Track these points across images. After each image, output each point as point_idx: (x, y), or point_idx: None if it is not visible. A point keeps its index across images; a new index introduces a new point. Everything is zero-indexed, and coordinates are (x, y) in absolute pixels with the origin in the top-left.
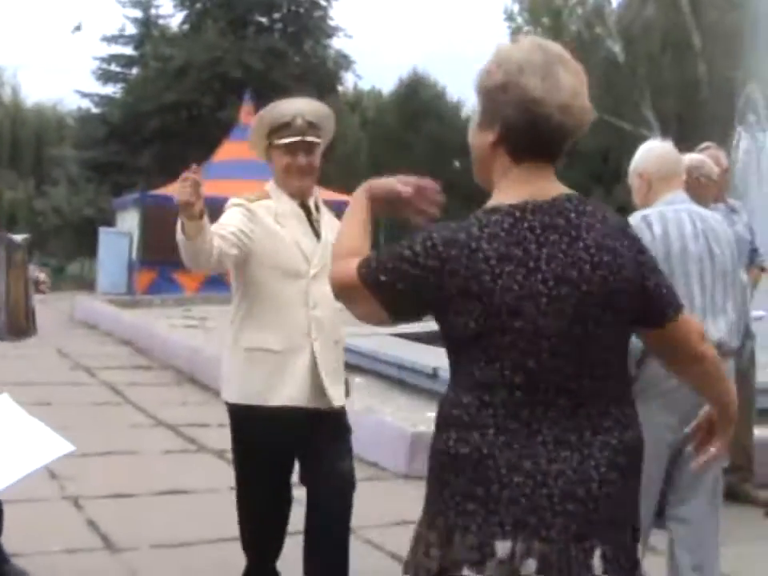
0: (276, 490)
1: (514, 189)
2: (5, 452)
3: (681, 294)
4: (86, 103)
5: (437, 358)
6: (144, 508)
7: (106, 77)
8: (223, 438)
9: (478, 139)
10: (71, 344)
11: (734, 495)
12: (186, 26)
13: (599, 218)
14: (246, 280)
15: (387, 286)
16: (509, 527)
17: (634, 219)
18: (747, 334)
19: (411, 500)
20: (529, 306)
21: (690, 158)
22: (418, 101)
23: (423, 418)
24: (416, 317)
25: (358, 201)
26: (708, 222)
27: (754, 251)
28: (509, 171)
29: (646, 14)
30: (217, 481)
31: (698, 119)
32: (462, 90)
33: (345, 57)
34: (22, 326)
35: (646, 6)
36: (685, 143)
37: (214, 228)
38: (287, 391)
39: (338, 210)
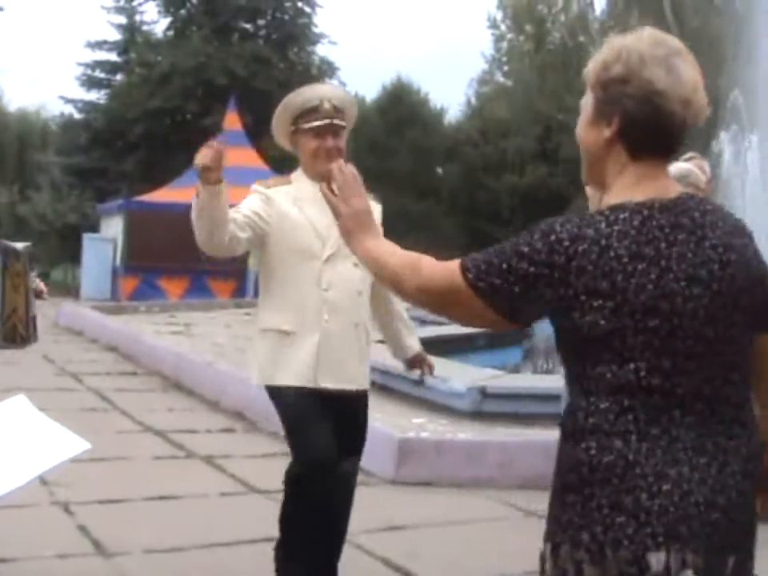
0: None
1: (637, 186)
2: (22, 451)
3: None
4: (69, 109)
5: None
6: (135, 513)
7: (90, 83)
8: (211, 444)
9: (591, 134)
10: (57, 350)
11: None
12: (170, 33)
13: (720, 217)
14: (264, 262)
15: (502, 289)
16: (661, 538)
17: None
18: None
19: (399, 505)
20: (665, 306)
21: (677, 167)
22: (401, 108)
23: (410, 424)
24: (535, 318)
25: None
26: None
27: None
28: (625, 168)
29: (630, 22)
30: (206, 487)
31: None
32: (445, 97)
33: (329, 64)
34: (20, 334)
35: (630, 13)
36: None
37: (230, 213)
38: (292, 370)
39: None
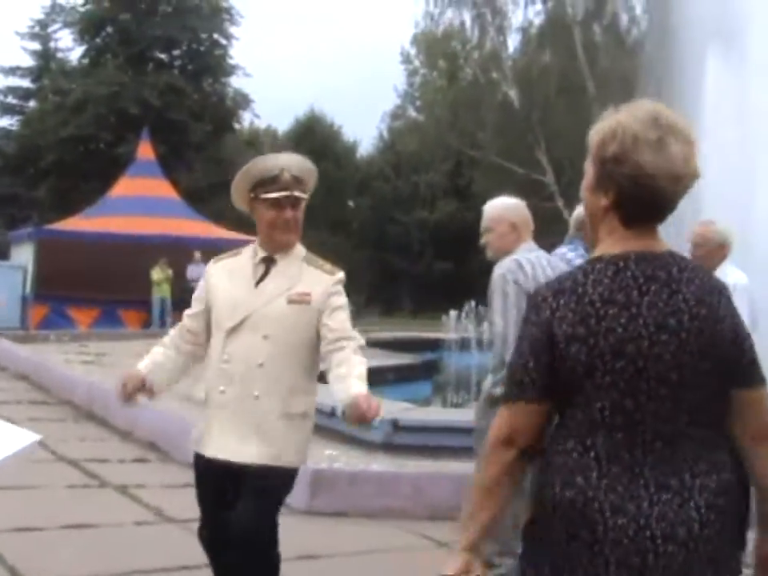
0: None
1: (619, 244)
2: None
3: None
4: None
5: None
6: (51, 542)
7: (2, 109)
8: (124, 474)
9: (591, 200)
10: None
11: None
12: (85, 61)
13: (699, 276)
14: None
15: (531, 383)
16: (613, 567)
17: (507, 263)
18: None
19: (313, 535)
20: (631, 348)
21: (580, 211)
22: (314, 140)
23: (323, 455)
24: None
25: None
26: (553, 264)
27: None
28: (615, 231)
29: (542, 60)
30: (121, 516)
31: None
32: (358, 131)
33: (243, 95)
34: None
35: (542, 52)
36: (578, 187)
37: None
38: (195, 437)
39: (230, 247)
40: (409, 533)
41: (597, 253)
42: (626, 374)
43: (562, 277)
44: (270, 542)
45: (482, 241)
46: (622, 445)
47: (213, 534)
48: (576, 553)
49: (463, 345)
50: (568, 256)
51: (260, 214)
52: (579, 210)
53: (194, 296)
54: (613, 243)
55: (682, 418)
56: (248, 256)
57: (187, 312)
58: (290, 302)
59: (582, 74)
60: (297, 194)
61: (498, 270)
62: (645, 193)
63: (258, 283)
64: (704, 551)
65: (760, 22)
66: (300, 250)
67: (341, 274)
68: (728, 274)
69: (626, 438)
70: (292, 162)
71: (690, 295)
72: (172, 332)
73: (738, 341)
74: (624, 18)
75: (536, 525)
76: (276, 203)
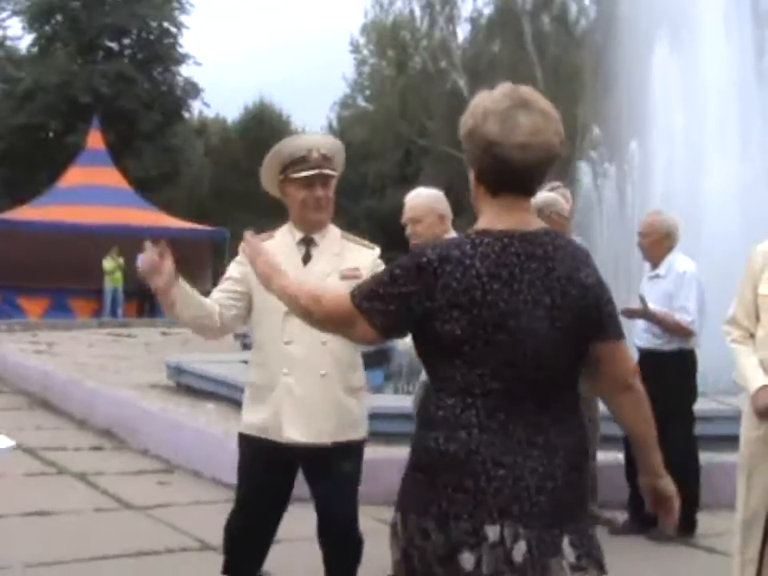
0: (264, 512)
1: (499, 217)
2: None
3: None
4: None
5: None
6: (11, 529)
7: None
8: (81, 461)
9: (470, 175)
10: None
11: None
12: (34, 49)
13: (569, 252)
14: (251, 319)
15: (380, 310)
16: (496, 514)
17: None
18: None
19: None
20: (511, 323)
21: (542, 196)
22: (263, 129)
23: None
24: (404, 333)
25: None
26: None
27: None
28: (491, 203)
29: (491, 50)
30: (80, 503)
31: None
32: (307, 120)
33: (193, 84)
34: None
35: (492, 41)
36: None
37: (215, 291)
38: (254, 420)
39: (181, 236)
40: (366, 517)
41: (481, 225)
42: (505, 346)
43: (449, 244)
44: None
45: (409, 231)
46: (498, 406)
47: (255, 522)
48: (461, 500)
49: None
50: None
51: (291, 194)
52: (535, 199)
53: (229, 275)
54: (493, 215)
55: (552, 384)
56: (286, 238)
57: (220, 287)
58: (343, 278)
59: (532, 63)
60: (327, 171)
61: None
62: (497, 162)
63: (305, 263)
64: (566, 502)
65: (706, 10)
66: (334, 228)
67: (378, 249)
68: (677, 261)
69: (502, 400)
70: (320, 141)
71: (562, 273)
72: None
73: (600, 303)
74: (573, 8)
75: (419, 474)
76: (307, 182)
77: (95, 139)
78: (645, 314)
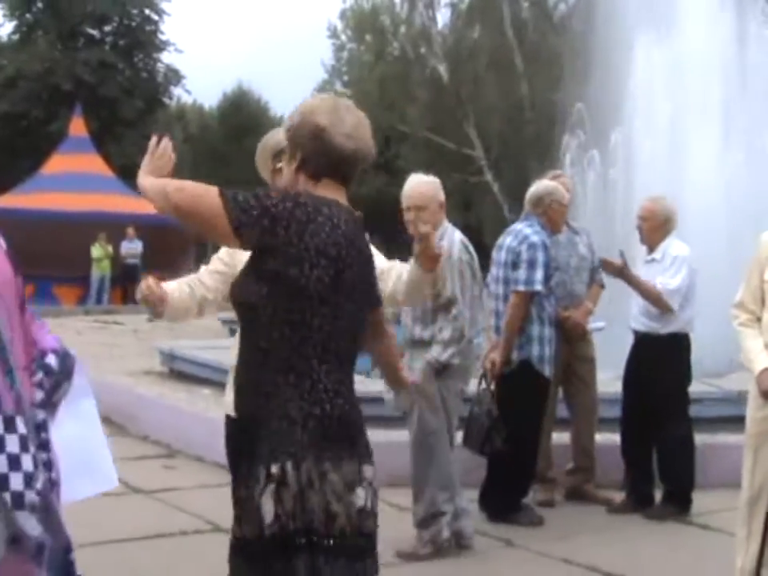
0: None
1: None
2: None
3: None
4: None
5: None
6: None
7: None
8: None
9: (287, 171)
10: None
11: (579, 494)
12: (15, 37)
13: (350, 219)
14: None
15: (240, 213)
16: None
17: (458, 243)
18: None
19: None
20: (294, 272)
21: (544, 184)
22: (241, 116)
23: None
24: (250, 245)
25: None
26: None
27: (595, 269)
28: (309, 187)
29: (471, 36)
30: None
31: (519, 139)
32: (285, 106)
33: (174, 71)
34: None
35: (472, 28)
36: (507, 160)
37: (202, 269)
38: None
39: (164, 223)
40: None
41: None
42: (294, 291)
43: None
44: None
45: (410, 217)
46: (305, 358)
47: None
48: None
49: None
50: (525, 232)
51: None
52: (536, 187)
53: (220, 256)
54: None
55: (343, 338)
56: None
57: (209, 268)
58: None
59: (511, 49)
60: None
61: (455, 251)
62: (323, 147)
63: None
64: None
65: None
66: None
67: None
68: (672, 246)
69: (309, 355)
70: None
71: (344, 231)
72: (187, 277)
73: (373, 275)
74: None
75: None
76: None
77: (78, 126)
78: (621, 271)
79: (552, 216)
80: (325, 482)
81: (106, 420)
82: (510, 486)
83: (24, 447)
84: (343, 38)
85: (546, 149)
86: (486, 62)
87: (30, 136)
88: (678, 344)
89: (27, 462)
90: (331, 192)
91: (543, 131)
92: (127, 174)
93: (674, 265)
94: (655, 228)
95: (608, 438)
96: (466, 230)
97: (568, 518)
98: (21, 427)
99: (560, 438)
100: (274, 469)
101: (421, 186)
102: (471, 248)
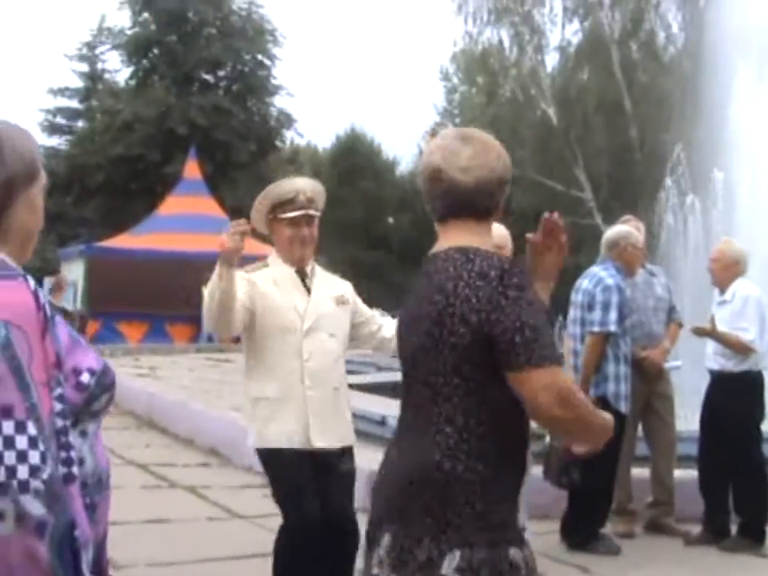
0: (312, 521)
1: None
2: None
3: None
4: None
5: (385, 407)
6: (136, 533)
7: (51, 129)
8: (190, 476)
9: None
10: None
11: (658, 527)
12: (132, 82)
13: (459, 264)
14: (251, 338)
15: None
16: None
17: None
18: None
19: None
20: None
21: (618, 229)
22: (354, 158)
23: (376, 458)
24: None
25: None
26: None
27: (672, 309)
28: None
29: (581, 78)
30: (193, 512)
31: (628, 181)
32: (398, 148)
33: (287, 115)
34: None
35: (581, 70)
36: (617, 202)
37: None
38: (280, 431)
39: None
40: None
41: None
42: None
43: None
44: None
45: None
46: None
47: (315, 522)
48: None
49: None
50: (600, 275)
51: (279, 232)
52: (611, 232)
53: (244, 277)
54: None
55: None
56: (283, 268)
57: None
58: (338, 303)
59: (620, 91)
60: (311, 212)
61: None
62: (441, 185)
63: (309, 293)
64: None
65: None
66: (313, 262)
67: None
68: (741, 287)
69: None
70: (306, 185)
71: (435, 282)
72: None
73: (492, 319)
74: (661, 36)
75: None
76: (293, 222)
77: (192, 169)
78: (711, 333)
79: (627, 259)
80: None
81: (213, 451)
82: (588, 517)
83: (33, 445)
84: (455, 80)
85: (655, 190)
86: (594, 104)
87: (145, 178)
88: (752, 381)
89: (35, 458)
90: (450, 232)
91: (652, 173)
92: (239, 215)
93: (745, 308)
94: (725, 269)
95: (687, 474)
96: (577, 271)
97: (645, 549)
98: (31, 430)
99: (641, 473)
100: None
101: (499, 229)
102: None
